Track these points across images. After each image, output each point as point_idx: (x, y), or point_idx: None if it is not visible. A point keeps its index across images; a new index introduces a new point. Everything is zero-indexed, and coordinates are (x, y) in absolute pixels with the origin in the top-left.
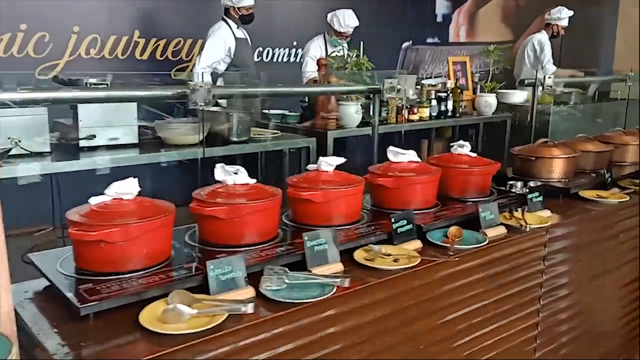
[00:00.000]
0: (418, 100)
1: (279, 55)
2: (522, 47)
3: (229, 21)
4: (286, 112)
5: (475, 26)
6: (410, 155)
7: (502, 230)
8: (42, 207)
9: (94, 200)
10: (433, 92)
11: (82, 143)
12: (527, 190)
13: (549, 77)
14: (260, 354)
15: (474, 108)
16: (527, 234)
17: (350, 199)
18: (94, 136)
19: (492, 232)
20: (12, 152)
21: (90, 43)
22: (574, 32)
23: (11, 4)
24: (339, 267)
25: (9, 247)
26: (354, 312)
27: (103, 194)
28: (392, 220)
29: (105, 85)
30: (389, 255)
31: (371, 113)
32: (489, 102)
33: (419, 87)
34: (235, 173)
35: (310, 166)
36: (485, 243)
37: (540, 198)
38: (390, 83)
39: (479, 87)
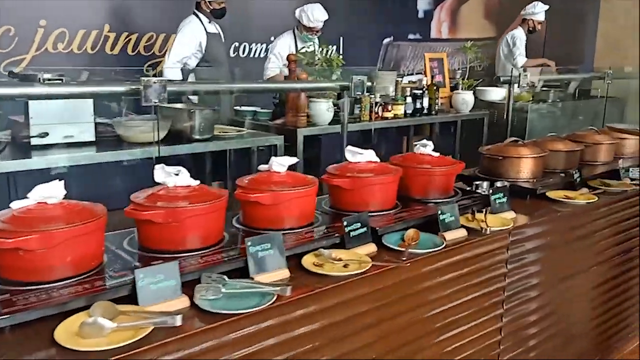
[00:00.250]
0: (392, 97)
1: (255, 50)
2: (499, 44)
3: (200, 15)
4: (258, 109)
5: (457, 22)
6: (368, 155)
7: (462, 232)
8: None
9: (16, 205)
10: (408, 89)
11: (34, 141)
12: (492, 191)
13: (522, 72)
14: None
15: (451, 106)
16: (488, 236)
17: (301, 201)
18: (47, 134)
19: (451, 235)
20: None
21: (58, 37)
22: (556, 28)
23: None
24: (284, 273)
25: None
26: (298, 321)
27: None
28: (345, 223)
29: (60, 81)
30: (340, 260)
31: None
32: (465, 99)
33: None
34: (177, 174)
35: (262, 167)
36: (442, 247)
37: (505, 199)
38: (360, 80)
39: (461, 84)
